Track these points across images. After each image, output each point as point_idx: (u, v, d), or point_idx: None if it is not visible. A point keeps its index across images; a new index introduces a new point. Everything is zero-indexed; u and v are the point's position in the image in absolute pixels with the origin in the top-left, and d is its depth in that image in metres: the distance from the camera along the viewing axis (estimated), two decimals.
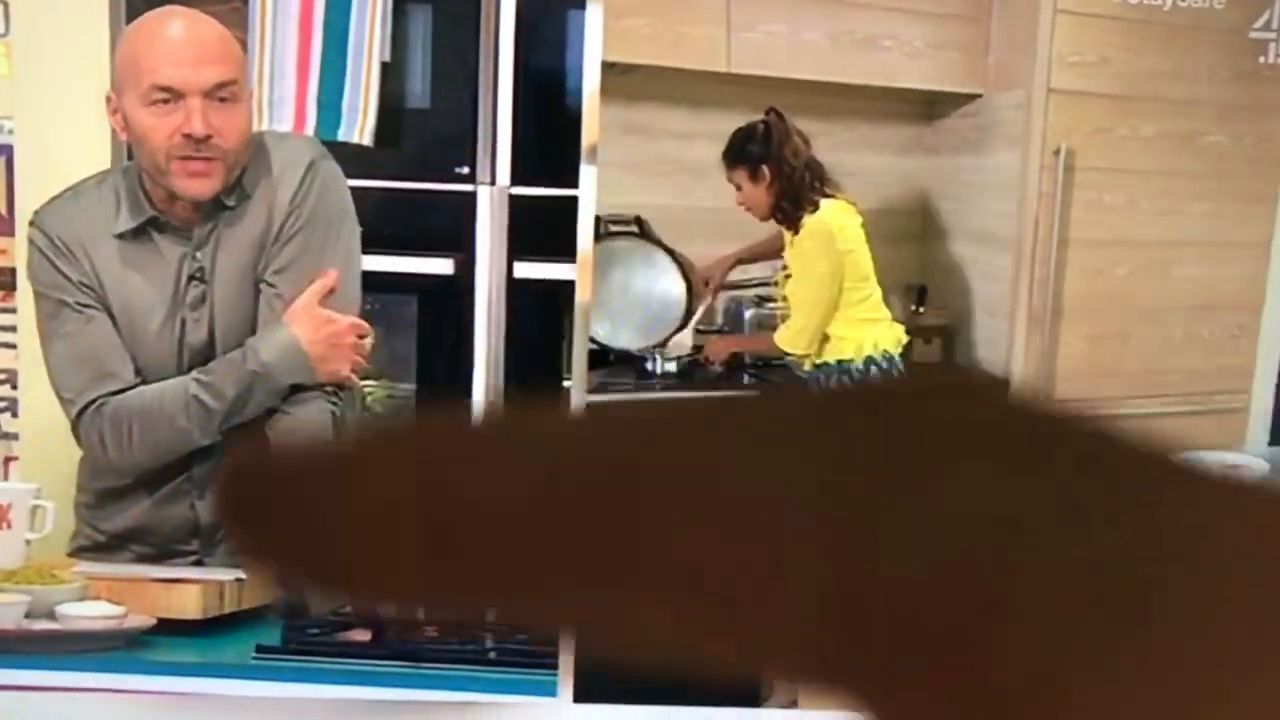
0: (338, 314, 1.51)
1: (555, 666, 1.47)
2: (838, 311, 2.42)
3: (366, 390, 1.78)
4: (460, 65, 1.69)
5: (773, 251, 2.50)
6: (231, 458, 0.21)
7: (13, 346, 1.66)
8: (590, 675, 1.52)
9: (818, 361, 2.42)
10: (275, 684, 1.43)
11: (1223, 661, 0.14)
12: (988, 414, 0.17)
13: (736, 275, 2.78)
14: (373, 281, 1.60)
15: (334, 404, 1.57)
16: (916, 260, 2.79)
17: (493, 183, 1.71)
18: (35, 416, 1.61)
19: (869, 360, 2.40)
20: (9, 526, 1.52)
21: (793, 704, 2.07)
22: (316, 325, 1.49)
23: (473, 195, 1.71)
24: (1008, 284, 2.63)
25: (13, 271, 1.65)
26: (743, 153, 2.42)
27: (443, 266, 1.72)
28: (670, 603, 0.16)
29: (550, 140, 1.69)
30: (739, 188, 2.40)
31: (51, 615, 1.43)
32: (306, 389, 1.55)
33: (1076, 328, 2.43)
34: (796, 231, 2.43)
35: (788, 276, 2.48)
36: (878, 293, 2.47)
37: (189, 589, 1.47)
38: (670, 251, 2.78)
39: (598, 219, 1.65)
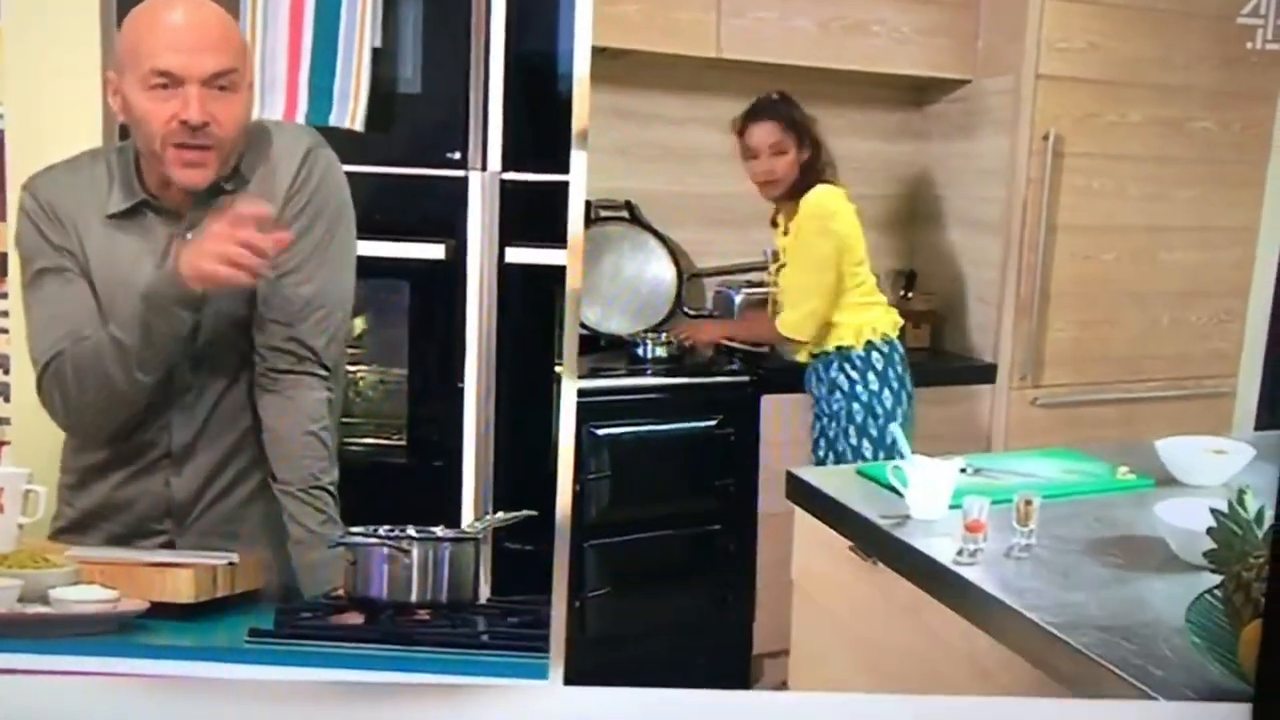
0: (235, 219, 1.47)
1: (546, 650, 1.48)
2: (838, 296, 2.41)
3: (358, 375, 1.79)
4: (451, 51, 1.69)
5: (763, 338, 2.46)
6: None
7: (4, 331, 1.66)
8: (581, 658, 1.53)
9: (816, 350, 2.39)
10: (268, 667, 1.43)
11: None
12: None
13: (724, 261, 2.79)
14: (364, 267, 1.61)
15: (328, 389, 1.57)
16: (905, 246, 2.80)
17: (484, 168, 1.71)
18: (27, 401, 1.60)
19: (869, 345, 2.40)
20: (1, 511, 1.52)
21: (781, 685, 2.08)
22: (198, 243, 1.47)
23: (464, 181, 1.71)
24: (996, 269, 2.64)
25: (4, 257, 1.65)
26: (793, 121, 2.35)
27: (434, 252, 1.72)
28: None
29: (541, 126, 1.69)
30: (778, 153, 2.34)
31: (44, 599, 1.43)
32: (302, 374, 1.55)
33: (1065, 313, 2.44)
34: (790, 216, 2.39)
35: (781, 266, 2.46)
36: (872, 278, 2.47)
37: (182, 573, 1.47)
38: (661, 236, 2.79)
39: (588, 204, 1.65)
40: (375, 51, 1.71)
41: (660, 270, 2.70)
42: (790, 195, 2.38)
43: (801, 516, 1.92)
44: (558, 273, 1.56)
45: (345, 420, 1.68)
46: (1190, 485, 1.79)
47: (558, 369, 1.59)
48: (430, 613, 1.44)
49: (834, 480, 1.90)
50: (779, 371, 2.53)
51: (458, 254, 1.71)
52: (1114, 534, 1.66)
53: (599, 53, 1.57)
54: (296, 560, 1.55)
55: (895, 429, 2.06)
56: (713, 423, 2.43)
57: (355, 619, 1.45)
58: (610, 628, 2.26)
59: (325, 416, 1.56)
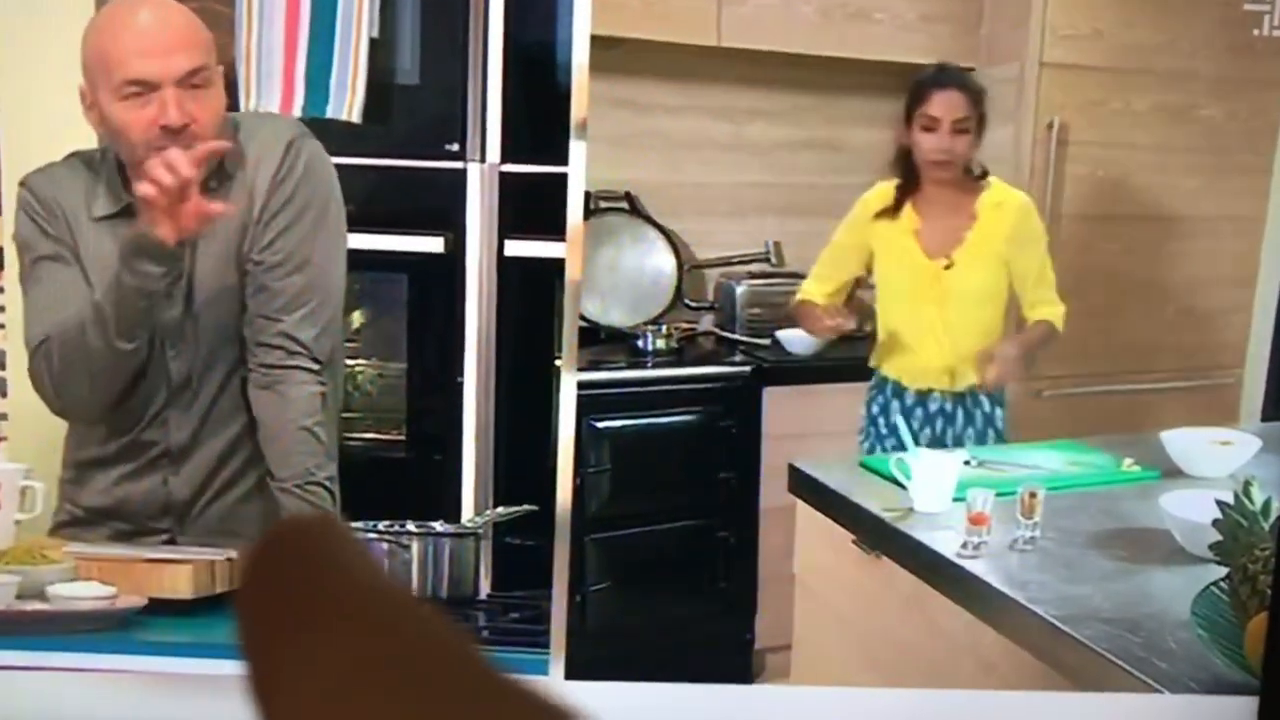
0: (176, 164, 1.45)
1: (546, 645, 1.47)
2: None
3: (357, 369, 1.77)
4: (449, 41, 1.68)
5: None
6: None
7: (1, 327, 1.65)
8: (581, 652, 1.53)
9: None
10: None
11: None
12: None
13: (724, 251, 2.77)
14: (362, 260, 1.59)
15: (321, 383, 1.56)
16: None
17: (483, 160, 1.69)
18: (25, 397, 1.60)
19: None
20: None
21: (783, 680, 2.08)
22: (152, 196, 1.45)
23: (463, 172, 1.69)
24: None
25: (0, 251, 1.64)
26: (980, 99, 2.13)
27: (433, 245, 1.71)
28: None
29: (541, 116, 1.68)
30: (960, 131, 2.10)
31: (42, 595, 1.42)
32: (293, 369, 1.54)
33: (1069, 303, 2.43)
34: (950, 206, 2.11)
35: (949, 265, 2.09)
36: None
37: (180, 569, 1.47)
38: (661, 227, 2.77)
39: (588, 195, 1.64)
40: (372, 42, 1.69)
41: (660, 261, 2.68)
42: (955, 183, 2.09)
43: (804, 510, 1.91)
44: (558, 265, 1.55)
45: (344, 415, 1.67)
46: (1196, 477, 1.78)
47: (558, 362, 1.58)
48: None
49: (836, 473, 1.89)
50: (781, 364, 2.52)
51: (457, 247, 1.70)
52: (1119, 526, 1.65)
53: (597, 42, 1.56)
54: None
55: (899, 421, 1.97)
56: (714, 415, 2.42)
57: None
58: (611, 622, 2.25)
59: (319, 411, 1.55)
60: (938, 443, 1.95)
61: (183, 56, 1.47)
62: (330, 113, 1.69)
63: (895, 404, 2.11)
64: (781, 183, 2.52)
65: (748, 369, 2.49)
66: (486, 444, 1.71)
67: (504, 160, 1.70)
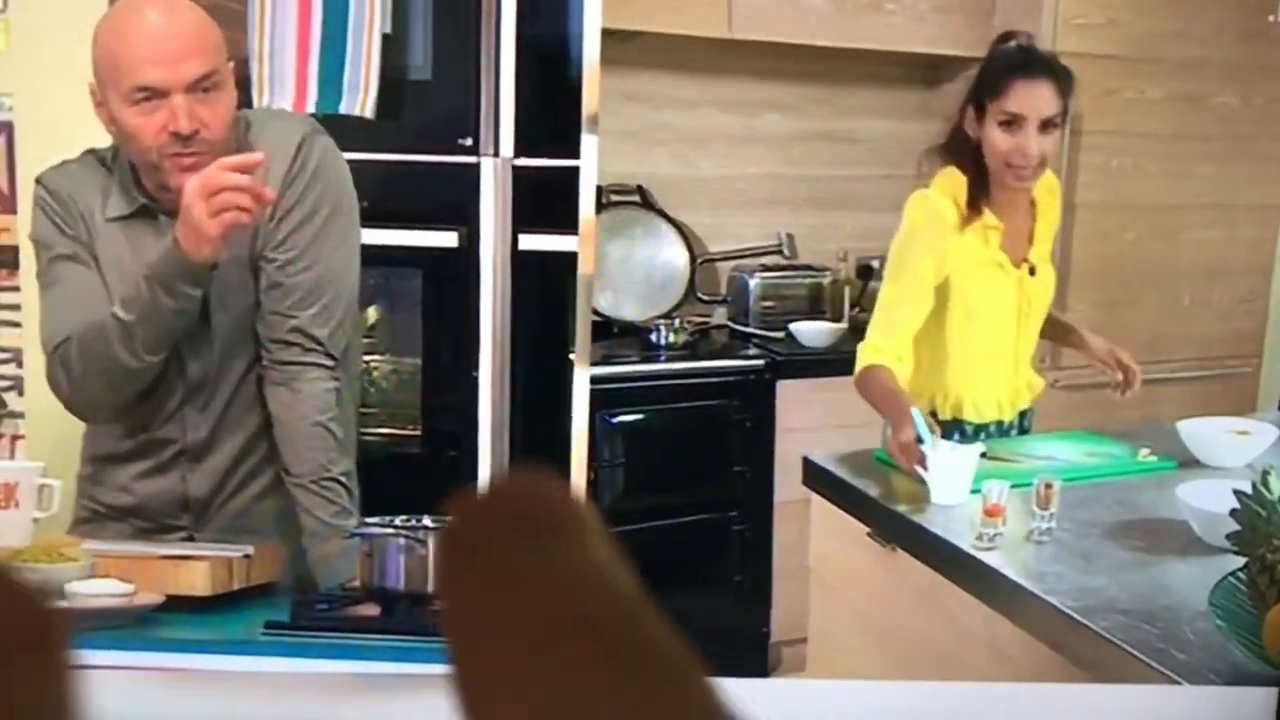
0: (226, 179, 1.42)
1: None
2: None
3: (372, 365, 1.77)
4: (461, 36, 1.67)
5: None
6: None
7: (16, 325, 1.66)
8: None
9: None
10: (284, 659, 1.43)
11: None
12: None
13: (737, 244, 2.77)
14: (376, 256, 1.60)
15: (336, 379, 1.56)
16: None
17: (496, 154, 1.69)
18: (41, 395, 1.60)
19: None
20: (16, 505, 1.51)
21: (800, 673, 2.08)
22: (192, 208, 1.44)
23: (476, 167, 1.69)
24: None
25: (15, 250, 1.64)
26: (1069, 92, 1.81)
27: (447, 240, 1.71)
28: None
29: (553, 110, 1.68)
30: (1049, 128, 1.78)
31: (60, 593, 1.42)
32: (308, 365, 1.54)
33: (1084, 293, 2.42)
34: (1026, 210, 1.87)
35: (1032, 267, 1.87)
36: None
37: (197, 566, 1.47)
38: (673, 220, 2.77)
39: (599, 189, 1.64)
40: (385, 38, 1.69)
41: (673, 255, 2.68)
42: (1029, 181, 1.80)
43: (818, 503, 1.90)
44: (572, 259, 1.55)
45: (360, 410, 1.67)
46: (1213, 467, 1.78)
47: (573, 356, 1.58)
48: None
49: (851, 466, 1.88)
50: (794, 357, 2.51)
51: (470, 241, 1.70)
52: (1135, 517, 1.65)
53: (609, 36, 1.55)
54: (311, 552, 1.54)
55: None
56: (728, 409, 2.41)
57: (371, 610, 1.44)
58: None
59: (333, 407, 1.55)
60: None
61: (193, 63, 1.46)
62: (343, 109, 1.69)
63: (956, 437, 1.83)
64: (794, 175, 2.51)
65: (761, 362, 2.49)
66: (502, 438, 1.71)
67: (517, 155, 1.70)
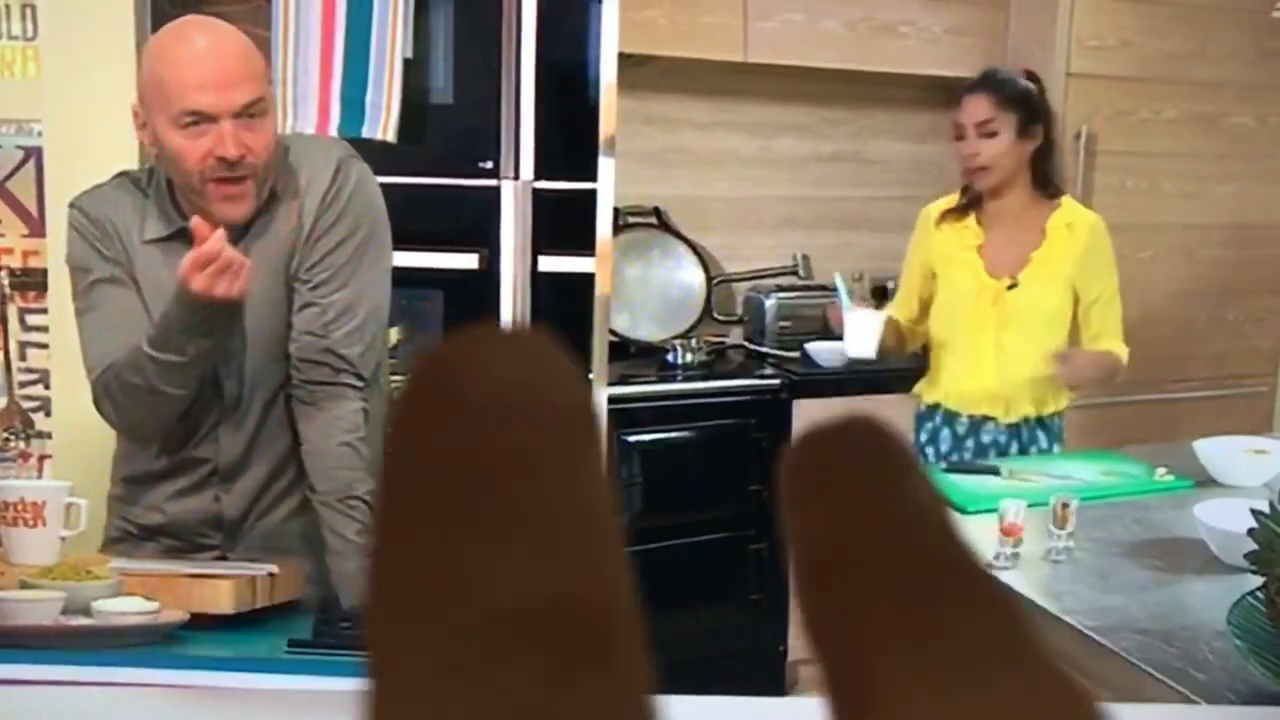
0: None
1: None
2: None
3: (394, 385, 1.79)
4: (482, 60, 1.70)
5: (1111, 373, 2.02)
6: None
7: (45, 346, 1.68)
8: None
9: (1040, 412, 2.01)
10: (307, 677, 1.44)
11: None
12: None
13: (753, 265, 2.78)
14: (398, 277, 1.61)
15: (365, 400, 1.57)
16: None
17: (516, 177, 1.71)
18: (68, 415, 1.62)
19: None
20: (43, 524, 1.53)
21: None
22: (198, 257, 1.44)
23: (496, 190, 1.71)
24: None
25: (44, 272, 1.66)
26: (1025, 99, 2.02)
27: (468, 261, 1.72)
28: None
29: (573, 133, 1.69)
30: (994, 134, 1.99)
31: (87, 611, 1.44)
32: (338, 385, 1.56)
33: None
34: (1027, 218, 2.01)
35: (1012, 286, 2.00)
36: None
37: (221, 584, 1.48)
38: (689, 242, 2.79)
39: (617, 210, 1.65)
40: (407, 62, 1.71)
41: (689, 276, 2.69)
42: (1021, 199, 1.98)
43: None
44: (590, 280, 1.56)
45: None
46: (1230, 486, 1.78)
47: (592, 376, 1.59)
48: None
49: None
50: (810, 377, 2.52)
51: (491, 263, 1.71)
52: (1153, 536, 1.65)
53: (627, 60, 1.57)
54: (335, 571, 1.55)
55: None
56: (745, 428, 2.42)
57: None
58: (643, 634, 2.26)
59: (361, 427, 1.57)
60: (993, 473, 1.92)
61: (241, 90, 1.48)
62: (366, 132, 1.71)
63: (946, 432, 2.03)
64: (809, 196, 2.53)
65: (777, 382, 2.49)
66: None
67: (537, 177, 1.72)
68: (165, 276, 1.54)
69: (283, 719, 1.47)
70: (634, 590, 0.23)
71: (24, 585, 1.45)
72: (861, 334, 2.01)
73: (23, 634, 1.41)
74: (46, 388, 1.68)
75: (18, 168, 1.69)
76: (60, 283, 1.61)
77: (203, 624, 1.46)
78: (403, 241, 1.60)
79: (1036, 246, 1.98)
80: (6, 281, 1.70)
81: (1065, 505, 1.60)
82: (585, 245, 1.54)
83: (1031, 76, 2.04)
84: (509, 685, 0.20)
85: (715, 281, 2.71)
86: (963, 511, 1.72)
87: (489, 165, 1.70)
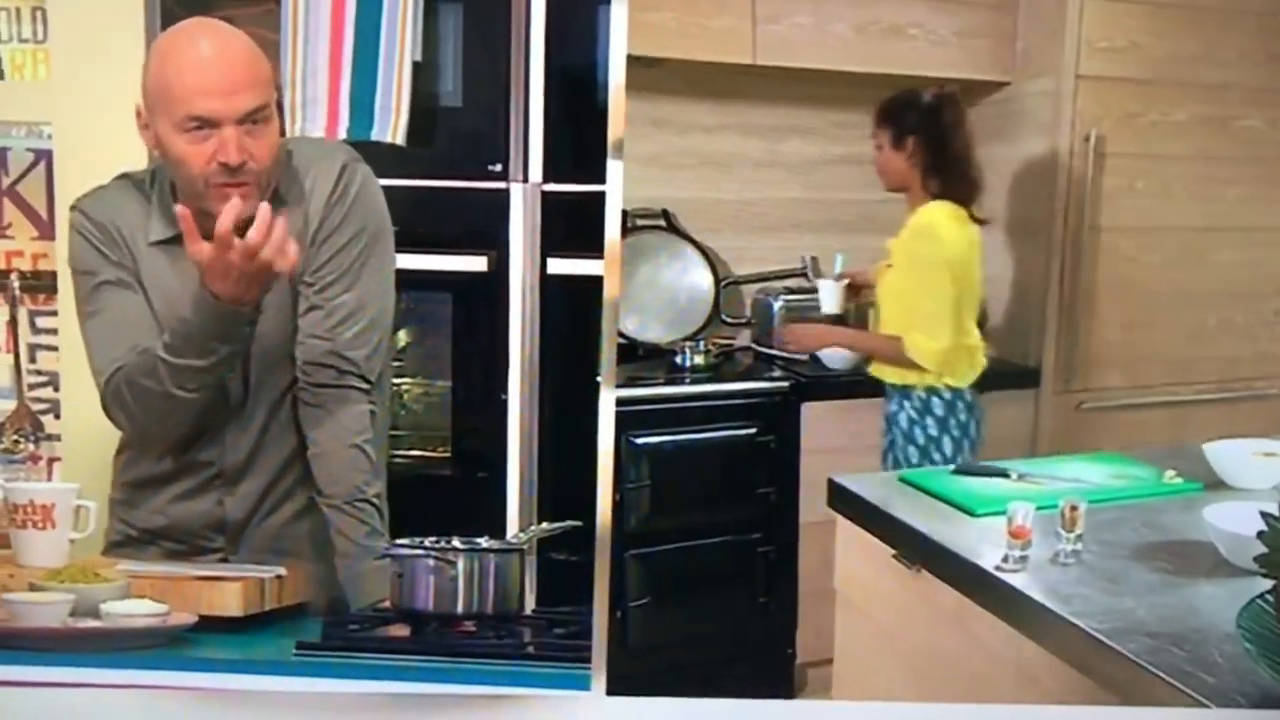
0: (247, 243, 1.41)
1: (589, 660, 1.48)
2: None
3: (403, 387, 1.79)
4: (491, 63, 1.70)
5: (884, 354, 2.35)
6: None
7: (54, 349, 1.69)
8: (623, 668, 1.53)
9: (894, 381, 2.30)
10: (315, 679, 1.44)
11: None
12: None
13: (761, 267, 2.78)
14: (407, 279, 1.62)
15: (371, 402, 1.58)
16: None
17: (525, 180, 1.72)
18: (77, 418, 1.63)
19: (930, 389, 2.28)
20: (52, 526, 1.53)
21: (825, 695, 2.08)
22: (217, 261, 1.41)
23: (505, 192, 1.72)
24: (1039, 272, 2.62)
25: (54, 275, 1.67)
26: (895, 116, 2.33)
27: (477, 264, 1.73)
28: None
29: (582, 136, 1.70)
30: (879, 148, 2.33)
31: (95, 613, 1.44)
32: (344, 388, 1.56)
33: (1109, 314, 2.42)
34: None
35: (888, 265, 2.36)
36: (972, 316, 2.31)
37: (230, 586, 1.48)
38: (697, 244, 2.79)
39: (625, 213, 1.65)
40: (416, 66, 1.72)
41: (697, 278, 2.70)
42: (904, 193, 2.30)
43: (843, 524, 1.91)
44: (599, 283, 1.56)
45: (390, 433, 1.69)
46: (1239, 489, 1.77)
47: (600, 379, 1.60)
48: (476, 624, 1.44)
49: (876, 488, 1.89)
50: (819, 379, 2.52)
51: (500, 265, 1.72)
52: (1162, 539, 1.64)
53: (635, 62, 1.57)
54: (343, 573, 1.55)
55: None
56: (753, 430, 2.42)
57: (401, 631, 1.45)
58: (652, 637, 2.26)
59: (368, 429, 1.57)
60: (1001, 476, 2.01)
61: (246, 96, 1.47)
62: (375, 135, 1.72)
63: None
64: (817, 199, 2.53)
65: (786, 384, 2.49)
66: (530, 460, 1.73)
67: (546, 180, 1.73)
68: (171, 278, 1.54)
69: None
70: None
71: (33, 587, 1.45)
72: (829, 295, 2.43)
73: (32, 636, 1.41)
74: (56, 390, 1.69)
75: (28, 170, 1.70)
76: (70, 286, 1.61)
77: (211, 626, 1.46)
78: (412, 244, 1.61)
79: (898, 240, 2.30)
80: (17, 284, 1.70)
81: (1074, 508, 1.60)
82: (594, 248, 1.54)
83: (940, 94, 2.30)
84: None
85: (723, 284, 2.71)
86: (971, 514, 1.72)
87: (498, 168, 1.71)
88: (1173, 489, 1.81)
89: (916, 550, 1.70)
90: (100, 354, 1.54)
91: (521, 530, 1.62)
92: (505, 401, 1.72)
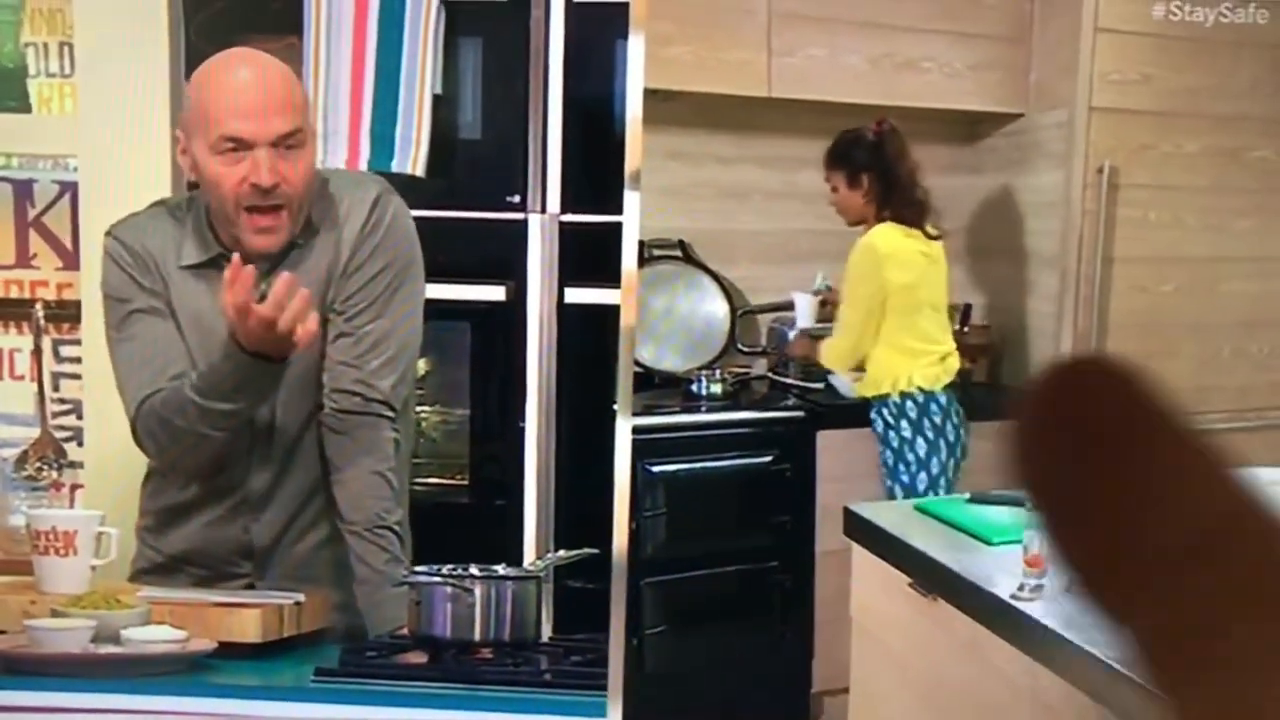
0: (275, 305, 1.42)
1: (605, 688, 1.48)
2: (881, 338, 2.41)
3: (421, 415, 1.80)
4: (510, 96, 1.72)
5: (811, 359, 2.59)
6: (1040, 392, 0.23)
7: (78, 377, 1.70)
8: (640, 695, 1.53)
9: (869, 395, 2.43)
10: (333, 706, 1.44)
11: None
12: None
13: (776, 297, 2.79)
14: (427, 308, 1.62)
15: (395, 430, 1.58)
16: (961, 280, 2.80)
17: (543, 210, 1.73)
18: (100, 445, 1.64)
19: (904, 394, 2.39)
20: (75, 553, 1.55)
21: None
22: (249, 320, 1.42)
23: (523, 223, 1.73)
24: (1053, 302, 2.63)
25: (78, 304, 1.69)
26: (846, 157, 2.45)
27: (495, 294, 1.74)
28: None
29: (600, 168, 1.71)
30: (835, 189, 2.45)
31: (116, 639, 1.45)
32: (370, 415, 1.57)
33: (1123, 345, 2.42)
34: None
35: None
36: (936, 324, 2.44)
37: (249, 613, 1.49)
38: (714, 274, 2.80)
39: (642, 243, 1.67)
40: (436, 98, 1.74)
41: (713, 308, 2.71)
42: (863, 225, 2.44)
43: (859, 552, 1.91)
44: (616, 313, 1.57)
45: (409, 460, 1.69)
46: None
47: (616, 407, 1.60)
48: (493, 651, 1.44)
49: (892, 516, 1.89)
50: (834, 407, 2.53)
51: (518, 295, 1.73)
52: None
53: (651, 95, 1.59)
54: (362, 600, 1.56)
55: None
56: (768, 459, 2.43)
57: (419, 658, 1.46)
58: (668, 665, 2.25)
59: (391, 457, 1.58)
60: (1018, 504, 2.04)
61: (279, 119, 1.50)
62: (395, 167, 1.73)
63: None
64: (831, 229, 2.54)
65: (801, 412, 2.50)
66: (548, 488, 1.73)
67: (564, 211, 1.74)
68: (203, 304, 1.55)
69: None
70: None
71: (55, 614, 1.46)
72: (804, 309, 2.61)
73: (53, 662, 1.42)
74: (79, 418, 1.70)
75: (54, 202, 1.72)
76: (94, 315, 1.63)
77: (230, 652, 1.46)
78: (431, 274, 1.62)
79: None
80: (41, 314, 1.72)
81: None
82: (611, 278, 1.56)
83: (887, 124, 2.43)
84: None
85: (739, 313, 2.73)
86: (987, 542, 1.72)
87: (516, 199, 1.72)
88: None
89: (932, 579, 1.70)
90: (131, 382, 1.55)
91: (538, 558, 1.62)
92: (523, 429, 1.72)
